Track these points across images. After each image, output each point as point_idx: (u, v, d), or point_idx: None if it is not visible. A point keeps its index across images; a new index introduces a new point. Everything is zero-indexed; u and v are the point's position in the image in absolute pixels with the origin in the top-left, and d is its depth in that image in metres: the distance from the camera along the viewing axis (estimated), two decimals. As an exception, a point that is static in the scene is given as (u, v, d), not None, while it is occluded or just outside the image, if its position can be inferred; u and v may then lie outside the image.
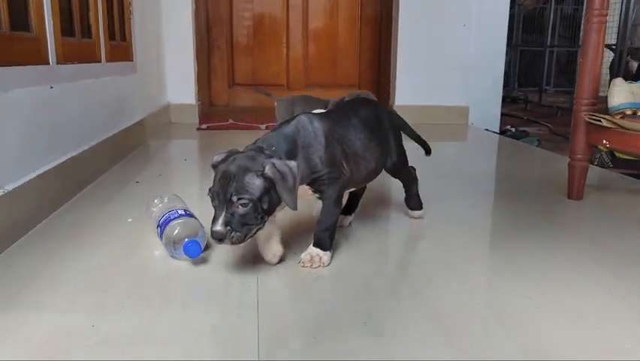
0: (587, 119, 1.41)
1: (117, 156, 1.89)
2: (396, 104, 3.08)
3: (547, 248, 1.14)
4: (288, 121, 1.03)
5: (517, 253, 1.11)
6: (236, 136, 2.56)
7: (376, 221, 1.31)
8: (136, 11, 2.23)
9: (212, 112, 3.23)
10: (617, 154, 2.37)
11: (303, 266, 1.01)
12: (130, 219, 1.27)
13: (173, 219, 1.06)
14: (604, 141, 1.37)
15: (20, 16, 1.25)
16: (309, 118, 1.02)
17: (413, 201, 1.30)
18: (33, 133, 1.26)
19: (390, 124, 1.21)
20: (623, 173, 1.97)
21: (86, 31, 1.69)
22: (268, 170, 0.91)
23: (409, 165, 1.27)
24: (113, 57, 1.90)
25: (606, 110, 1.38)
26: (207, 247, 1.09)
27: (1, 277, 0.96)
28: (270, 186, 0.91)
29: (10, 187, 1.11)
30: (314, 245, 1.03)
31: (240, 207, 0.90)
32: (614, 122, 1.32)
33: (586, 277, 0.99)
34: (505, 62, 3.37)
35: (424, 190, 1.32)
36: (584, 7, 4.82)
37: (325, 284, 0.96)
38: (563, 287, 0.95)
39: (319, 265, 1.01)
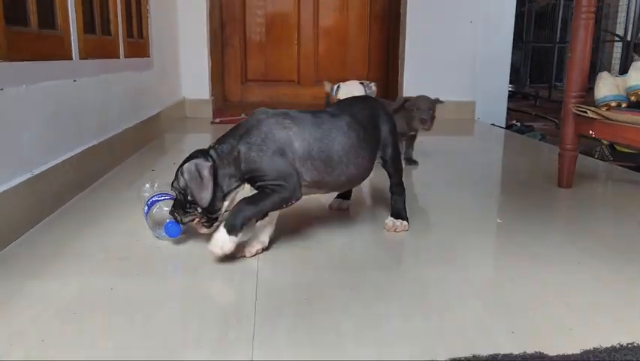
0: (574, 111, 1.49)
1: (135, 146, 2.01)
2: (404, 99, 3.16)
3: (540, 235, 1.20)
4: (250, 119, 1.08)
5: (511, 238, 1.18)
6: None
7: (378, 214, 1.37)
8: (153, 10, 2.35)
9: (225, 107, 3.34)
10: (616, 147, 2.43)
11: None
12: (145, 202, 1.38)
13: (154, 202, 1.14)
14: (590, 132, 1.44)
15: (47, 15, 1.36)
16: (267, 121, 1.04)
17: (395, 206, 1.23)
18: (58, 123, 1.38)
19: (384, 123, 1.17)
20: (622, 165, 2.03)
21: (106, 29, 1.81)
22: (184, 169, 1.01)
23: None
24: (130, 53, 2.02)
25: (593, 103, 1.45)
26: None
27: (30, 249, 1.08)
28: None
29: (37, 171, 1.23)
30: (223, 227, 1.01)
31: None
32: (598, 114, 1.40)
33: (573, 260, 1.07)
34: (517, 59, 3.41)
35: (427, 182, 1.34)
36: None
37: (320, 260, 1.06)
38: (545, 267, 1.03)
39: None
